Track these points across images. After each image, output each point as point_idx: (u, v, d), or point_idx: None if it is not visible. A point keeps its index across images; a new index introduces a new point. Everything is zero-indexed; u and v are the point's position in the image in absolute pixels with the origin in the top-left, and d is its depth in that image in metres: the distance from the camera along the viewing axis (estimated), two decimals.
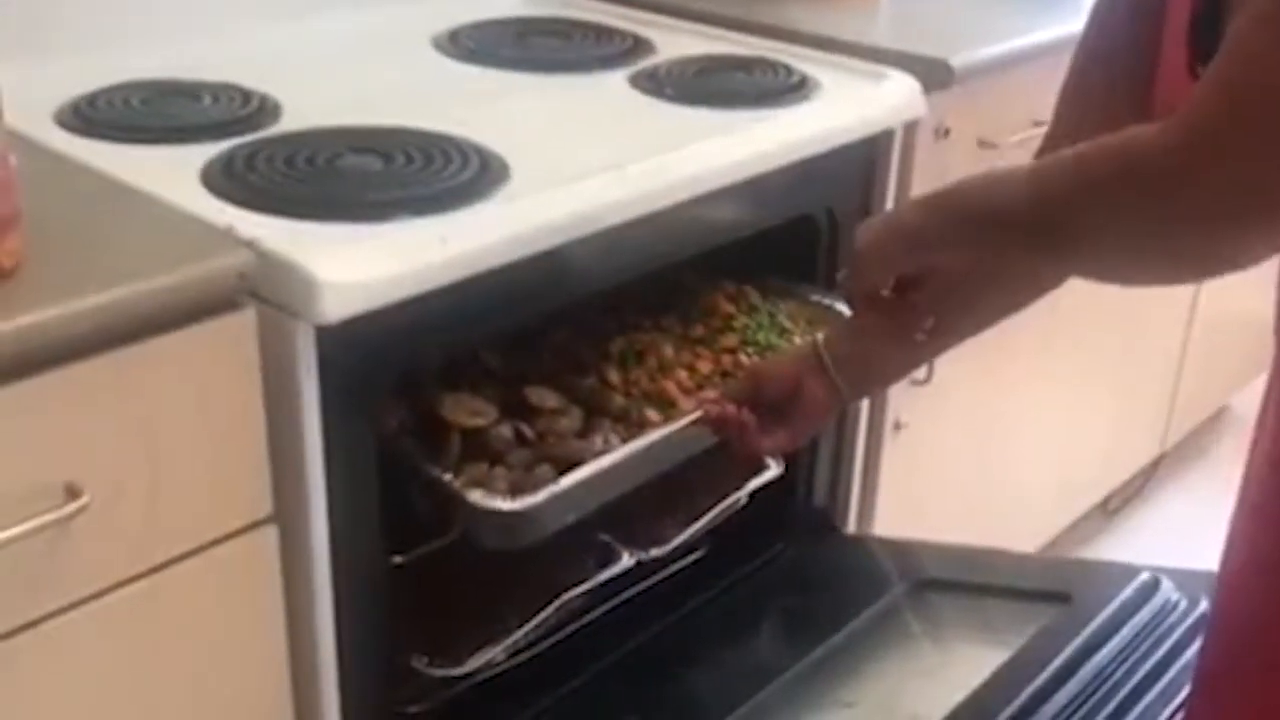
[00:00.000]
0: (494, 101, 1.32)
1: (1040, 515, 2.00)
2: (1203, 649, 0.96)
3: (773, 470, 1.42)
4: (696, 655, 1.30)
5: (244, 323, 0.92)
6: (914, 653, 1.32)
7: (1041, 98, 1.04)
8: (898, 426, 1.60)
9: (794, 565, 1.46)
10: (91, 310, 0.84)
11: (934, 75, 1.43)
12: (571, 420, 1.18)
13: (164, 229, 0.96)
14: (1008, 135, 1.51)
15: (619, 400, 1.21)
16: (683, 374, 1.25)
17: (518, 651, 1.23)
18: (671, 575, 1.40)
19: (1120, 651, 1.17)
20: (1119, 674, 1.15)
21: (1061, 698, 1.12)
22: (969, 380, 1.64)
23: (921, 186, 1.47)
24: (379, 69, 1.40)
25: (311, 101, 1.24)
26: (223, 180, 1.05)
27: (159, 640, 0.94)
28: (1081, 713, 1.12)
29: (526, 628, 1.21)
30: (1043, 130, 1.00)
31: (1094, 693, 1.13)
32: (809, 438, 1.15)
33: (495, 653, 1.19)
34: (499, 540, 1.09)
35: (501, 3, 1.63)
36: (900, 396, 1.56)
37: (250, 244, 0.93)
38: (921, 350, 1.12)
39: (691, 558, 1.42)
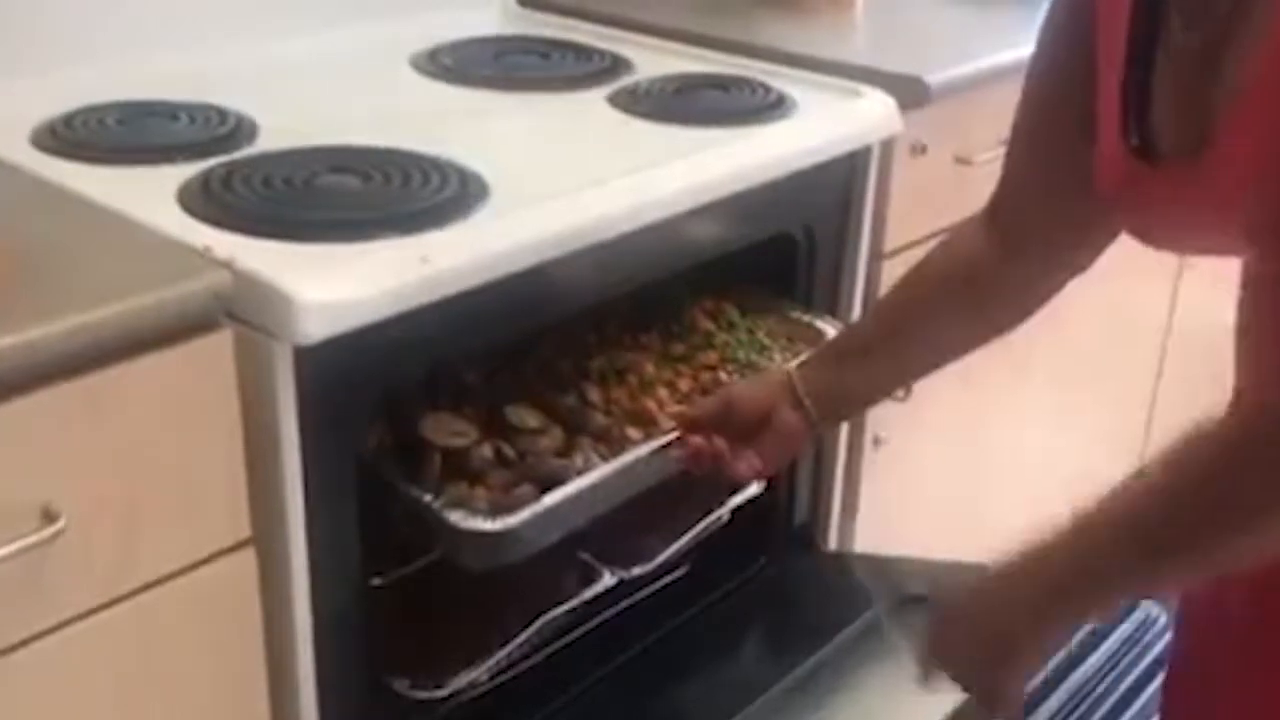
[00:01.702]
0: (473, 121, 1.32)
1: (1020, 531, 2.00)
2: (1170, 657, 0.97)
3: (753, 487, 1.42)
4: (680, 673, 1.30)
5: (222, 344, 0.92)
6: (895, 668, 1.31)
7: None
8: (877, 442, 1.60)
9: (775, 582, 1.46)
10: (68, 332, 0.84)
11: (910, 93, 1.44)
12: (552, 439, 1.18)
13: (141, 250, 0.96)
14: (984, 152, 1.51)
15: (599, 419, 1.21)
16: (663, 392, 1.25)
17: (500, 672, 1.23)
18: (654, 593, 1.39)
19: (1101, 667, 1.18)
20: (1100, 689, 1.16)
21: (1043, 714, 1.12)
22: (948, 396, 1.64)
23: (899, 203, 1.48)
24: (357, 89, 1.40)
25: (289, 121, 1.23)
26: (200, 201, 1.05)
27: (137, 665, 0.94)
28: None
29: (509, 648, 1.20)
30: None
31: (1075, 708, 1.14)
32: (784, 463, 1.15)
33: (477, 674, 1.18)
34: (480, 560, 1.09)
35: (480, 22, 1.63)
36: (880, 412, 1.56)
37: (227, 264, 0.93)
38: (892, 384, 1.17)
39: (673, 576, 1.42)
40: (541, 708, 1.26)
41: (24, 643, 0.87)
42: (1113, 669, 1.17)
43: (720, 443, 1.10)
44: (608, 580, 1.28)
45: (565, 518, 1.10)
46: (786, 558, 1.49)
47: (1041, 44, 0.98)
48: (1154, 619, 1.22)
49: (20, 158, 1.12)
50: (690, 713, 1.25)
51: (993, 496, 1.89)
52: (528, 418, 1.18)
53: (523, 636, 1.21)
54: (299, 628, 1.00)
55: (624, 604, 1.36)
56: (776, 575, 1.47)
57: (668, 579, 1.41)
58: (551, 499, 1.08)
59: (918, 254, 1.15)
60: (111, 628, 0.91)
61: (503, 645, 1.20)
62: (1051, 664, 1.16)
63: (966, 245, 1.06)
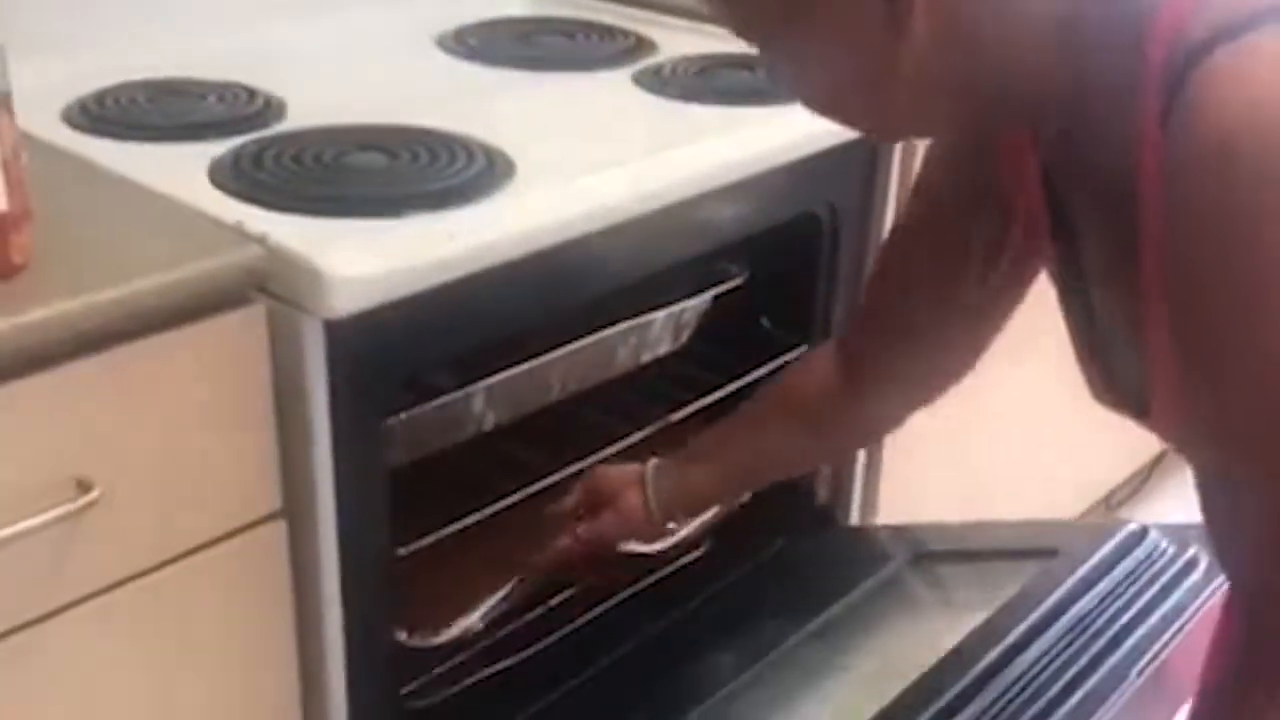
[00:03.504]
0: (498, 99, 1.33)
1: (1042, 512, 2.00)
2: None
3: None
4: (699, 651, 1.30)
5: (253, 318, 0.93)
6: (912, 616, 1.31)
7: None
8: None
9: (796, 562, 1.46)
10: (102, 306, 0.85)
11: None
12: None
13: (173, 226, 0.97)
14: None
15: None
16: None
17: (520, 649, 1.24)
18: (673, 572, 1.40)
19: (1103, 599, 1.16)
20: (1104, 617, 1.14)
21: (1041, 644, 1.11)
22: (971, 375, 1.64)
23: None
24: (383, 68, 1.41)
25: (317, 100, 1.24)
26: (230, 177, 1.06)
27: (168, 634, 0.95)
28: (1066, 655, 1.10)
29: (526, 618, 1.22)
30: None
31: (1073, 641, 1.13)
32: (620, 540, 1.25)
33: (491, 641, 1.20)
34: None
35: (506, 2, 1.63)
36: None
37: (260, 239, 0.94)
38: (736, 489, 1.31)
39: (693, 555, 1.42)
40: (561, 685, 1.26)
41: (59, 611, 0.88)
42: (1114, 601, 1.15)
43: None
44: None
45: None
46: (807, 537, 1.50)
47: (917, 185, 0.99)
48: (1161, 551, 1.19)
49: (52, 135, 1.13)
50: (708, 679, 1.26)
51: (1015, 478, 1.89)
52: None
53: (539, 611, 1.22)
54: (327, 598, 1.02)
55: (644, 583, 1.37)
56: (797, 555, 1.47)
57: (687, 558, 1.42)
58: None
59: None
60: (143, 598, 0.92)
61: (521, 618, 1.21)
62: (1053, 598, 1.16)
63: (816, 373, 1.10)
